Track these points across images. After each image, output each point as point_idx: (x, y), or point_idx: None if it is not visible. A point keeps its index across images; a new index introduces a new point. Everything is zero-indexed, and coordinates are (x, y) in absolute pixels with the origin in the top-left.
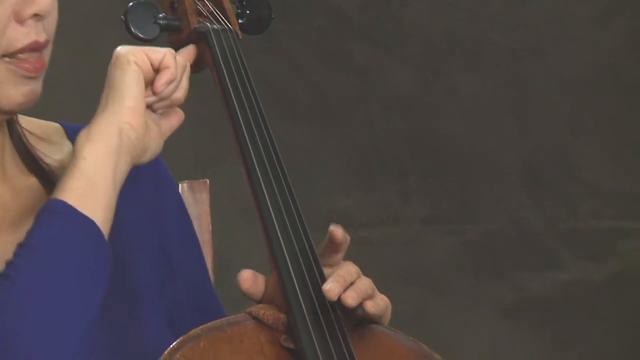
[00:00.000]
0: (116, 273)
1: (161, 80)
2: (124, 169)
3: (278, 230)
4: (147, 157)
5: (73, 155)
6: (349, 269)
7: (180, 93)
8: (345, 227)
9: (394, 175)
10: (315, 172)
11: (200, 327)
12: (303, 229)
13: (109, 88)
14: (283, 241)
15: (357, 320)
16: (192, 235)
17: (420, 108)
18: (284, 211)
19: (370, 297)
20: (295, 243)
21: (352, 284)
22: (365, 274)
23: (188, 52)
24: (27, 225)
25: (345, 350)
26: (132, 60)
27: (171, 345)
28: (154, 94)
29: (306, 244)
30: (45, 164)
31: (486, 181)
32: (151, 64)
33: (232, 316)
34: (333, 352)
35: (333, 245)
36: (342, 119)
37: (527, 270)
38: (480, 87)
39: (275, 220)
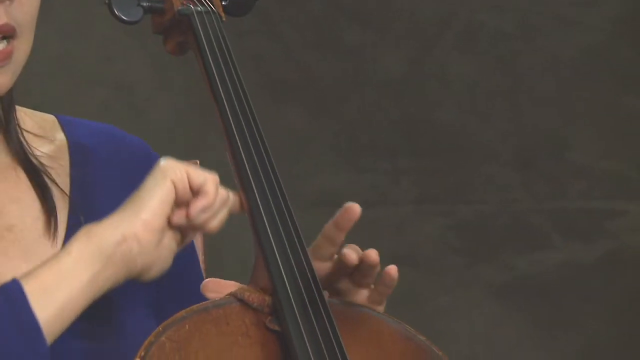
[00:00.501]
0: None
1: (196, 206)
2: (110, 277)
3: (263, 212)
4: (151, 274)
5: (67, 243)
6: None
7: (215, 223)
8: (335, 208)
9: (384, 156)
10: (306, 153)
11: (185, 309)
12: (288, 210)
13: (136, 194)
14: (268, 222)
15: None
16: None
17: (411, 90)
18: (268, 193)
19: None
20: (280, 224)
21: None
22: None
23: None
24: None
25: (330, 332)
26: (170, 176)
27: (156, 329)
28: (187, 217)
29: (291, 226)
30: (37, 160)
31: (476, 162)
32: (190, 185)
33: (217, 298)
34: (318, 333)
35: (344, 221)
36: (332, 101)
37: (518, 250)
38: (471, 69)
39: (259, 202)
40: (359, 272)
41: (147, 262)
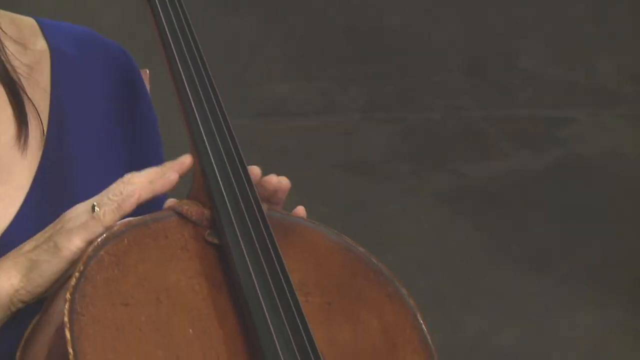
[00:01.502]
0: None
1: None
2: None
3: (200, 123)
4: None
5: None
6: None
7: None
8: (285, 115)
9: (333, 63)
10: (255, 61)
11: (124, 223)
12: (225, 122)
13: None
14: (205, 134)
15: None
16: (155, 123)
17: None
18: (205, 103)
19: None
20: (217, 136)
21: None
22: (306, 162)
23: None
24: None
25: (269, 244)
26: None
27: (94, 243)
28: None
29: (229, 138)
30: (16, 73)
31: (425, 69)
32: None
33: (156, 212)
34: (257, 246)
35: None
36: (282, 8)
37: (466, 158)
38: None
39: (196, 112)
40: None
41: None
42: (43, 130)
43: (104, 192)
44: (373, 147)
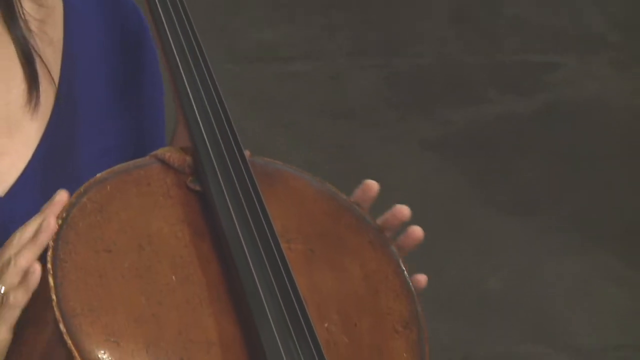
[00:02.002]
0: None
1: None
2: None
3: (182, 70)
4: None
5: None
6: None
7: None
8: (271, 61)
9: (319, 9)
10: (242, 7)
11: (107, 170)
12: (207, 67)
13: None
14: (187, 80)
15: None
16: (160, 79)
17: None
18: (186, 50)
19: None
20: (199, 81)
21: None
22: (292, 108)
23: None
24: None
25: (252, 190)
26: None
27: (77, 190)
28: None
29: (210, 83)
30: (29, 31)
31: (412, 15)
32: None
33: (138, 159)
34: (239, 192)
35: (364, 200)
36: None
37: (453, 104)
38: None
39: (178, 59)
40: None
41: None
42: (55, 85)
43: None
44: (359, 94)
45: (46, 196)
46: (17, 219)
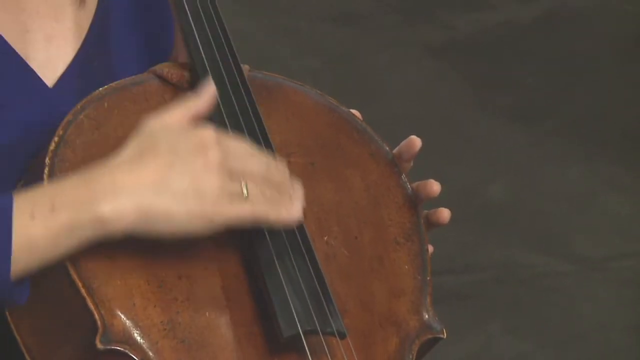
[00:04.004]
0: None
1: None
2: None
3: None
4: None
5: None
6: None
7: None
8: None
9: None
10: None
11: (105, 87)
12: None
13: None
14: None
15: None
16: None
17: None
18: None
19: None
20: None
21: None
22: (294, 14)
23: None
24: None
25: (249, 107)
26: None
27: (75, 107)
28: None
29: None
30: None
31: None
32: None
33: (136, 75)
34: (236, 108)
35: (407, 154)
36: None
37: (456, 9)
38: None
39: None
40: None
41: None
42: None
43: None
44: None
45: (87, 91)
46: (63, 110)
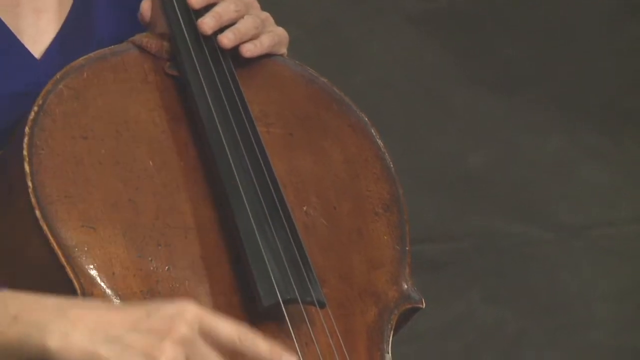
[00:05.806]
0: None
1: None
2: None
3: None
4: None
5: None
6: (228, 7)
7: None
8: None
9: None
10: None
11: (84, 57)
12: None
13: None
14: None
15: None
16: None
17: None
18: None
19: (252, 37)
20: None
21: (233, 24)
22: None
23: None
24: None
25: (228, 75)
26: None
27: (54, 77)
28: None
29: None
30: None
31: None
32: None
33: (115, 45)
34: (215, 77)
35: None
36: None
37: None
38: None
39: None
40: None
41: None
42: None
43: None
44: None
45: (69, 61)
46: (48, 81)
